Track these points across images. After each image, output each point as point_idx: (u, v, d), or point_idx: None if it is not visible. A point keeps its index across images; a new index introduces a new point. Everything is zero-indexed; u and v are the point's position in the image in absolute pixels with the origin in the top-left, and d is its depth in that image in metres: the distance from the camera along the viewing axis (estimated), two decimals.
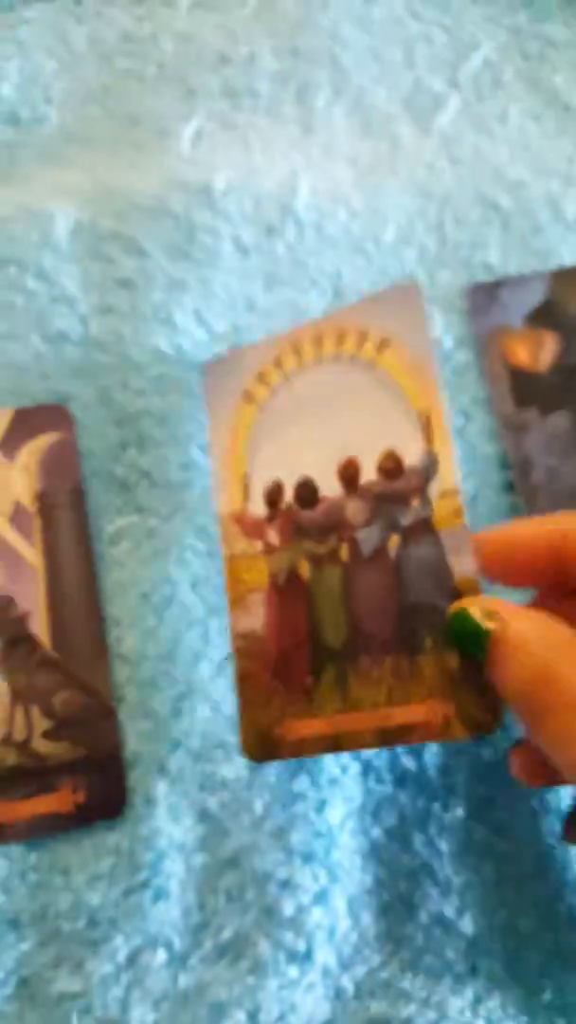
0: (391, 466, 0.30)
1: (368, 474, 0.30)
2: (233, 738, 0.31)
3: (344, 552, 0.30)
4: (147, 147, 0.37)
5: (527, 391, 0.35)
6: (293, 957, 0.29)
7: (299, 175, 0.36)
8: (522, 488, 0.34)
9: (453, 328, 0.35)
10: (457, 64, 0.39)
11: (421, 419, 0.29)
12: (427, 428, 0.29)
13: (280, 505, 0.31)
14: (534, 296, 0.35)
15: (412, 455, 0.29)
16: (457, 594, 0.27)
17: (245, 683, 0.29)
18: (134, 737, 0.31)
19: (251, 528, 0.31)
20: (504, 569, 0.28)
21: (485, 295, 0.35)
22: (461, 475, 0.33)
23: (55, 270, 0.35)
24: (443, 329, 0.35)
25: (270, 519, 0.31)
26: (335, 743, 0.27)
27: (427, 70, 0.39)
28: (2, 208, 0.35)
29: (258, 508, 0.31)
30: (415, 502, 0.29)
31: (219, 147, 0.37)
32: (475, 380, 0.35)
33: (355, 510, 0.30)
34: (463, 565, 0.28)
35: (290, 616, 0.30)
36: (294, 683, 0.29)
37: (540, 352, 0.35)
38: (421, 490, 0.29)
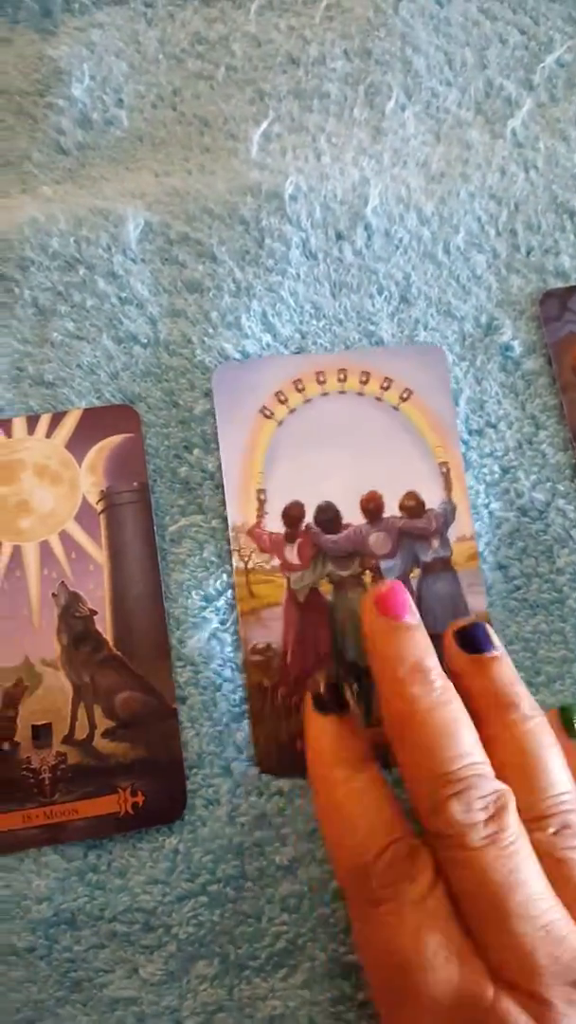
0: (413, 505, 0.32)
1: (389, 510, 0.32)
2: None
3: (368, 578, 0.31)
4: (217, 150, 0.37)
5: None
6: (349, 971, 0.28)
7: (369, 181, 0.36)
8: None
9: (523, 335, 0.35)
10: (531, 65, 0.38)
11: (442, 469, 0.32)
12: (447, 478, 0.32)
13: (300, 525, 0.32)
14: None
15: (432, 500, 0.32)
16: None
17: (258, 696, 0.30)
18: (198, 739, 0.30)
19: (269, 545, 0.32)
20: None
21: (557, 302, 0.35)
22: (532, 483, 0.33)
23: (125, 272, 0.35)
24: (512, 336, 0.34)
25: (288, 538, 0.32)
26: None
27: (500, 72, 0.38)
28: (74, 210, 0.35)
29: (274, 525, 0.32)
30: (435, 542, 0.31)
31: (289, 150, 0.37)
32: (546, 387, 0.34)
33: (378, 541, 0.32)
34: (478, 602, 0.31)
35: (311, 633, 0.31)
36: None
37: None
38: (441, 532, 0.31)
